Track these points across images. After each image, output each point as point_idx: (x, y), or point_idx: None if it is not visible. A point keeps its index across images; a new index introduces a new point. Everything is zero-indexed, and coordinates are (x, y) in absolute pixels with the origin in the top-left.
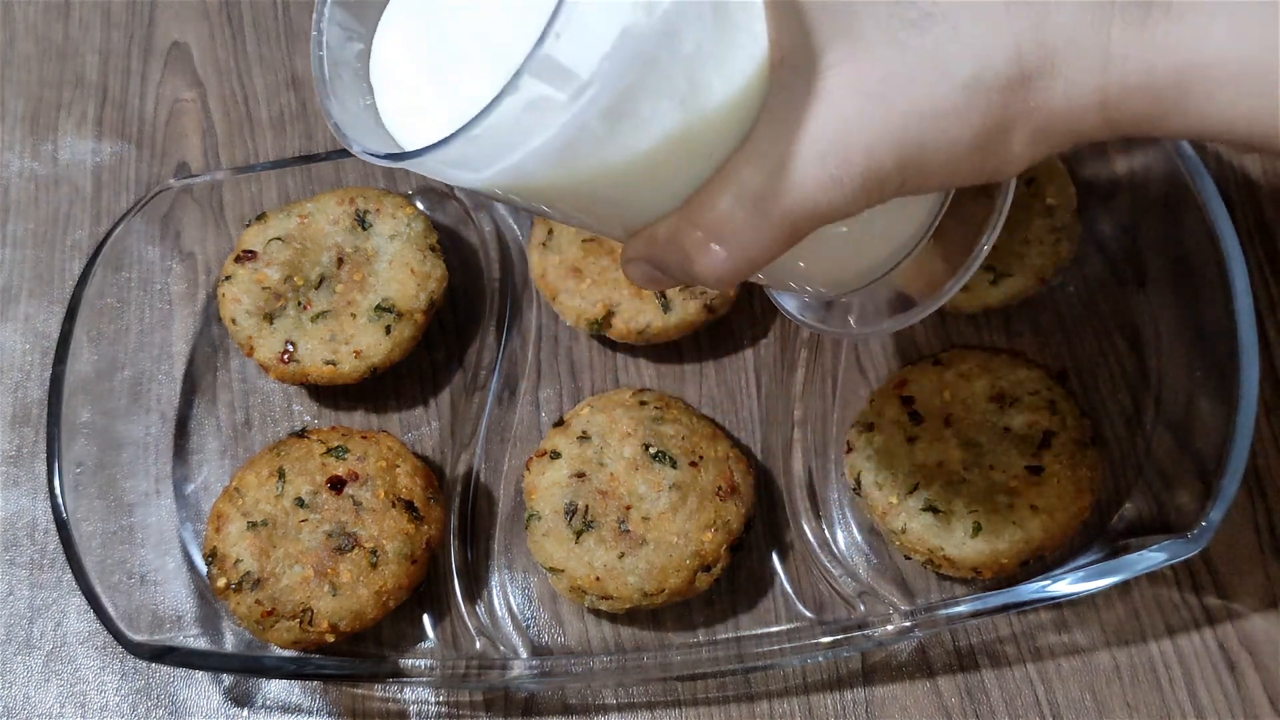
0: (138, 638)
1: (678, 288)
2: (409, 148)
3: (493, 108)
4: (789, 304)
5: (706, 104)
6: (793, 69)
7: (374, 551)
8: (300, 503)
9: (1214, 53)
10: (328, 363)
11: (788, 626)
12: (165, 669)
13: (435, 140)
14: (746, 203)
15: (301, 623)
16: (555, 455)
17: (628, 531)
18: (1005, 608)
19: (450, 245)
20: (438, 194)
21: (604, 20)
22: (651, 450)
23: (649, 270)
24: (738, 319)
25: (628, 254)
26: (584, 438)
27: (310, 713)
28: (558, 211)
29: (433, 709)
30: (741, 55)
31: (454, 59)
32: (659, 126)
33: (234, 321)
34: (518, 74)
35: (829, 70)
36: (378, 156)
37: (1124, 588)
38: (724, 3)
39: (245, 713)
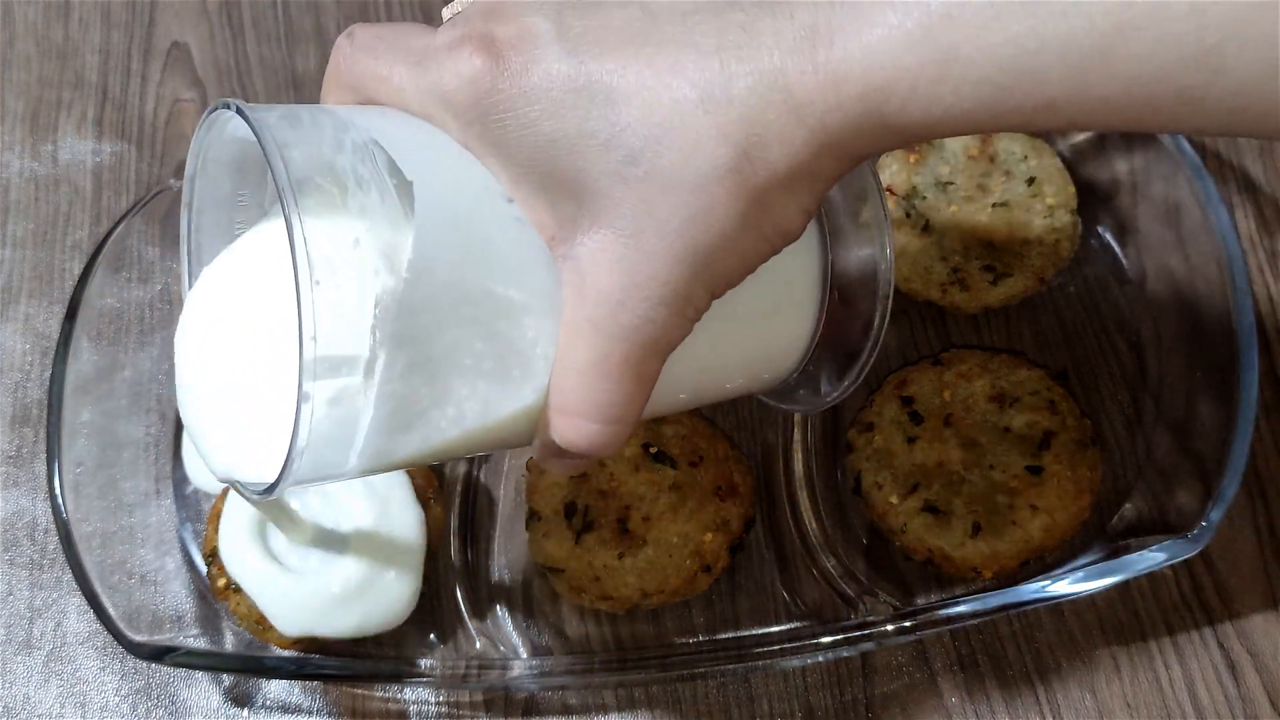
0: (138, 638)
1: None
2: (260, 478)
3: (300, 421)
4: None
5: (505, 309)
6: (564, 242)
7: None
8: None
9: (880, 69)
10: None
11: (788, 626)
12: (165, 669)
13: (277, 474)
14: (587, 375)
15: None
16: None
17: (628, 532)
18: (1005, 608)
19: None
20: None
21: (351, 300)
22: (651, 450)
23: (561, 463)
24: None
25: (538, 458)
26: None
27: (310, 713)
28: (451, 453)
29: (433, 709)
30: (513, 254)
31: (254, 375)
32: (469, 350)
33: None
34: (300, 385)
35: (590, 231)
36: (259, 493)
37: (1124, 588)
38: (467, 220)
39: (245, 713)
